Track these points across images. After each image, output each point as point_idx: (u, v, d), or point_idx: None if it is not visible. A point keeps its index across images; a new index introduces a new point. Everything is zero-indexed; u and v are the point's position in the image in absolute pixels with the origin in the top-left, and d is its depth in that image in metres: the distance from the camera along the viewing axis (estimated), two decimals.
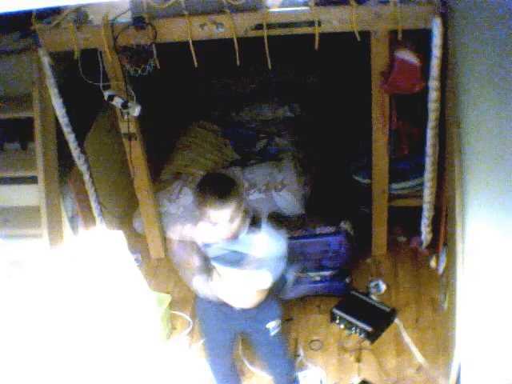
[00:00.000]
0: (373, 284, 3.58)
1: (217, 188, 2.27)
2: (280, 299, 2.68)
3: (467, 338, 2.43)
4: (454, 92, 2.61)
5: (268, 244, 2.38)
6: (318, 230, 3.44)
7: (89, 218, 3.72)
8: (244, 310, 2.57)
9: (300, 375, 3.09)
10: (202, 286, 2.55)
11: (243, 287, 2.48)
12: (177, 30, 2.99)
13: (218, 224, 2.26)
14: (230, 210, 2.22)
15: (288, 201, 3.89)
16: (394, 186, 3.55)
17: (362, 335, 3.27)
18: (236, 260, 2.39)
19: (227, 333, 2.71)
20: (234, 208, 2.23)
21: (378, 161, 3.41)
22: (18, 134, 3.47)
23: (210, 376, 2.88)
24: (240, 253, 2.38)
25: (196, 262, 2.51)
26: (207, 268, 2.53)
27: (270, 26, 2.93)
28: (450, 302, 2.88)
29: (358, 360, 3.19)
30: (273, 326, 2.64)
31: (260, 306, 2.57)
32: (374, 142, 3.35)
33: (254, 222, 2.39)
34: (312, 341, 3.32)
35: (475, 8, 2.14)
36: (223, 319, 2.63)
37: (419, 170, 3.35)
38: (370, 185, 3.57)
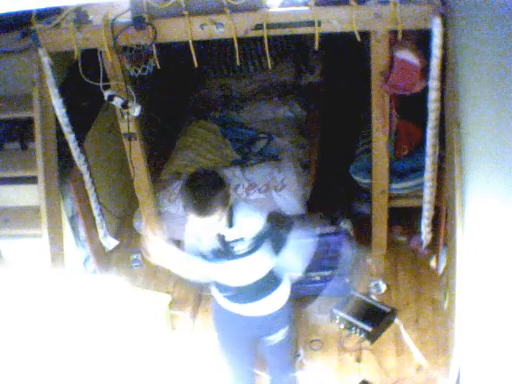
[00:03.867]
0: (373, 284, 3.58)
1: (200, 196, 2.21)
2: (293, 302, 2.69)
3: (467, 338, 2.43)
4: (453, 92, 2.61)
5: (252, 222, 2.42)
6: (318, 230, 3.43)
7: (89, 218, 3.72)
8: (258, 318, 2.58)
9: (300, 375, 3.09)
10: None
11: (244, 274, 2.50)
12: (177, 30, 2.98)
13: (203, 226, 2.30)
14: (214, 215, 2.24)
15: (288, 201, 3.89)
16: (394, 185, 3.55)
17: (362, 335, 3.27)
18: (224, 253, 2.42)
19: (246, 341, 2.73)
20: (218, 212, 2.24)
21: (377, 161, 3.41)
22: (18, 134, 3.47)
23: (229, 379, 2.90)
24: (231, 242, 2.40)
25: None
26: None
27: (270, 26, 2.93)
28: (450, 301, 2.88)
29: (358, 360, 3.19)
30: (284, 332, 2.65)
31: (272, 313, 2.59)
32: (374, 142, 3.35)
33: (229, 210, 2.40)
34: (312, 341, 3.32)
35: (475, 8, 2.14)
36: (241, 329, 2.65)
37: (419, 170, 3.36)
38: (370, 185, 3.57)
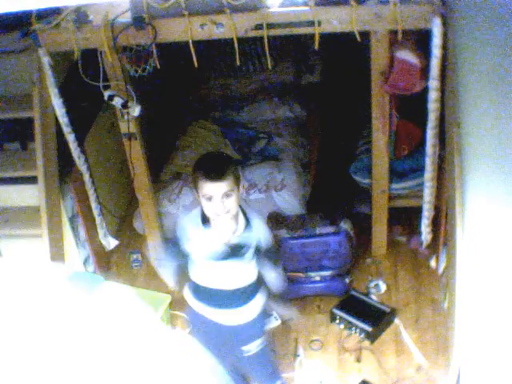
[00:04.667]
0: (373, 284, 3.59)
1: (214, 162, 2.33)
2: (265, 316, 2.68)
3: (467, 338, 2.43)
4: (454, 92, 2.61)
5: (262, 226, 2.47)
6: (318, 230, 3.43)
7: (89, 218, 3.72)
8: (228, 327, 2.55)
9: (299, 375, 3.09)
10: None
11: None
12: (177, 30, 2.98)
13: (213, 198, 2.24)
14: (226, 183, 2.23)
15: (288, 201, 3.89)
16: (394, 185, 3.55)
17: (362, 335, 3.27)
18: (235, 253, 2.40)
19: (220, 350, 2.60)
20: (230, 182, 2.24)
21: (378, 161, 3.41)
22: (18, 134, 3.47)
23: None
24: (240, 245, 2.39)
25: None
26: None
27: (270, 26, 2.93)
28: (450, 301, 2.88)
29: (358, 360, 3.19)
30: (252, 347, 2.60)
31: (244, 324, 2.55)
32: (374, 142, 3.35)
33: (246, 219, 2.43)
34: (312, 341, 3.31)
35: (475, 8, 2.14)
36: (214, 336, 2.59)
37: (419, 170, 3.36)
38: (370, 185, 3.57)
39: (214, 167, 2.26)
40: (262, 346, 2.62)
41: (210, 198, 2.25)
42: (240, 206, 2.38)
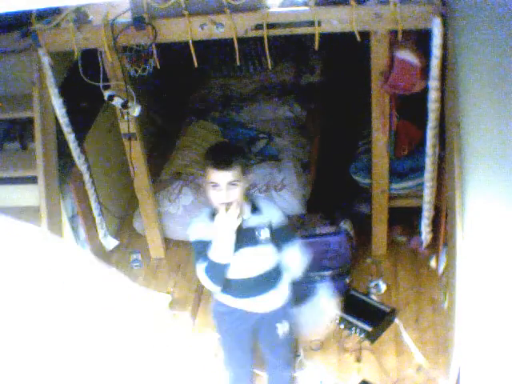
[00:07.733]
0: (373, 284, 3.58)
1: (222, 152, 2.42)
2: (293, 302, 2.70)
3: (467, 338, 2.43)
4: (454, 92, 2.61)
5: (275, 210, 2.51)
6: (317, 230, 3.44)
7: (89, 218, 3.72)
8: (256, 314, 2.58)
9: (300, 375, 3.09)
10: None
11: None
12: (177, 30, 2.99)
13: (218, 186, 2.29)
14: (232, 173, 2.28)
15: (288, 201, 3.89)
16: (394, 186, 3.55)
17: (362, 335, 3.27)
18: (249, 238, 2.42)
19: (245, 339, 2.70)
20: (236, 172, 2.29)
21: (378, 161, 3.41)
22: (18, 134, 3.47)
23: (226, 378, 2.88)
24: (251, 229, 2.42)
25: None
26: None
27: (270, 26, 2.93)
28: (450, 301, 2.88)
29: (358, 360, 3.19)
30: (283, 329, 2.64)
31: (272, 310, 2.59)
32: (374, 142, 3.35)
33: (253, 205, 2.47)
34: (312, 341, 3.31)
35: (475, 8, 2.14)
36: (240, 325, 2.64)
37: (419, 170, 3.36)
38: (370, 185, 3.57)
39: (221, 156, 2.34)
40: (285, 334, 2.66)
41: (215, 186, 2.31)
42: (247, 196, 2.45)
